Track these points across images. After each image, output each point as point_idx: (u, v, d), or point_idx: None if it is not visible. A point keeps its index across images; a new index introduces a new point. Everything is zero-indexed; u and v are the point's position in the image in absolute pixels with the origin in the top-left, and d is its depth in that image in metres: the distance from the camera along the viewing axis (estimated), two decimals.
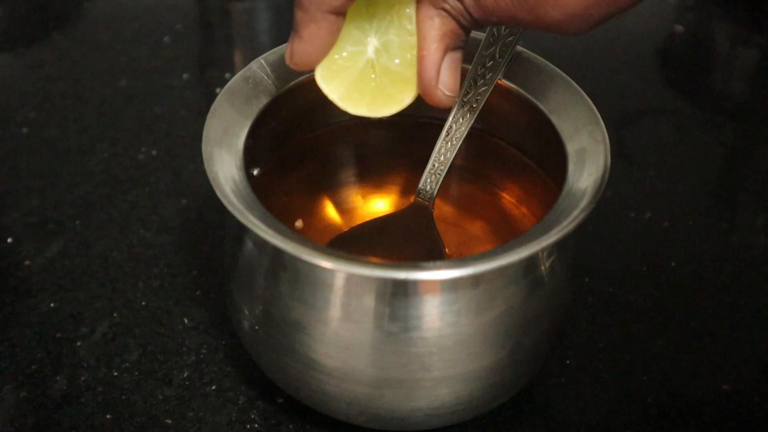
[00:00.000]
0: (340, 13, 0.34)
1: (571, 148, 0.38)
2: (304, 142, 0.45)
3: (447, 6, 0.33)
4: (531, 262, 0.36)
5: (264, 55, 0.42)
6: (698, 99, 0.66)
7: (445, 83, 0.35)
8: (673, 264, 0.51)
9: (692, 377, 0.45)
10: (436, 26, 0.34)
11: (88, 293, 0.49)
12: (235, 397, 0.44)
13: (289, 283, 0.36)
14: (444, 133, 0.42)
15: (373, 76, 0.37)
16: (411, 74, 0.36)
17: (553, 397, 0.44)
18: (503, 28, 0.38)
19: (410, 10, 0.35)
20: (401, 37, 0.36)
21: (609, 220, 0.54)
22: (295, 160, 0.45)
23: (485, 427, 0.43)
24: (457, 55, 0.35)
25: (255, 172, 0.42)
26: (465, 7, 0.33)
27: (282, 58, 0.42)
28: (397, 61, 0.36)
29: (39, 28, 0.70)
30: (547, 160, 0.42)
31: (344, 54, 0.36)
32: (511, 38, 0.40)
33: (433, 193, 0.42)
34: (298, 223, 0.45)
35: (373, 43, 0.36)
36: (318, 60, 0.36)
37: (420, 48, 0.34)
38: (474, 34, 0.42)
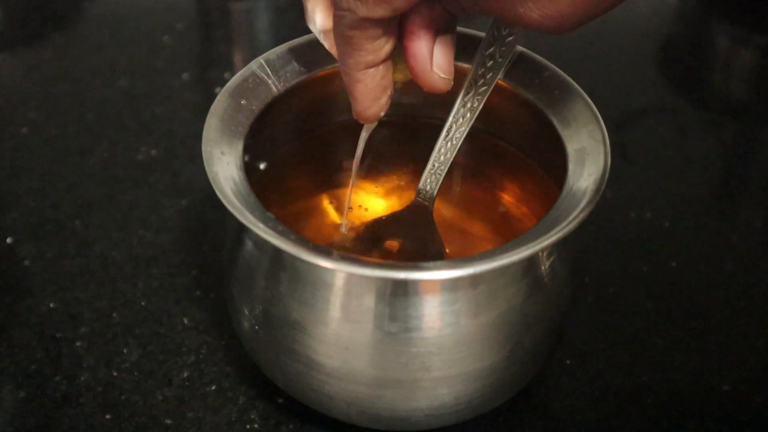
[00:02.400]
0: (379, 64, 0.34)
1: (571, 148, 0.38)
2: (304, 142, 0.45)
3: None
4: (531, 262, 0.36)
5: (264, 55, 0.42)
6: (698, 99, 0.66)
7: (440, 65, 0.35)
8: (673, 264, 0.51)
9: (692, 377, 0.45)
10: (422, 12, 0.34)
11: (87, 293, 0.49)
12: (235, 397, 0.44)
13: (289, 283, 0.36)
14: (444, 133, 0.41)
15: None
16: None
17: (553, 397, 0.44)
18: (503, 28, 0.38)
19: None
20: None
21: (609, 220, 0.54)
22: (295, 160, 0.45)
23: (485, 427, 0.43)
24: (447, 38, 0.35)
25: (262, 167, 0.42)
26: None
27: (282, 58, 0.42)
28: None
29: (39, 28, 0.70)
30: (547, 160, 0.42)
31: None
32: (511, 38, 0.40)
33: (433, 193, 0.42)
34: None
35: None
36: (382, 110, 0.36)
37: (409, 35, 0.34)
38: (474, 34, 0.42)
